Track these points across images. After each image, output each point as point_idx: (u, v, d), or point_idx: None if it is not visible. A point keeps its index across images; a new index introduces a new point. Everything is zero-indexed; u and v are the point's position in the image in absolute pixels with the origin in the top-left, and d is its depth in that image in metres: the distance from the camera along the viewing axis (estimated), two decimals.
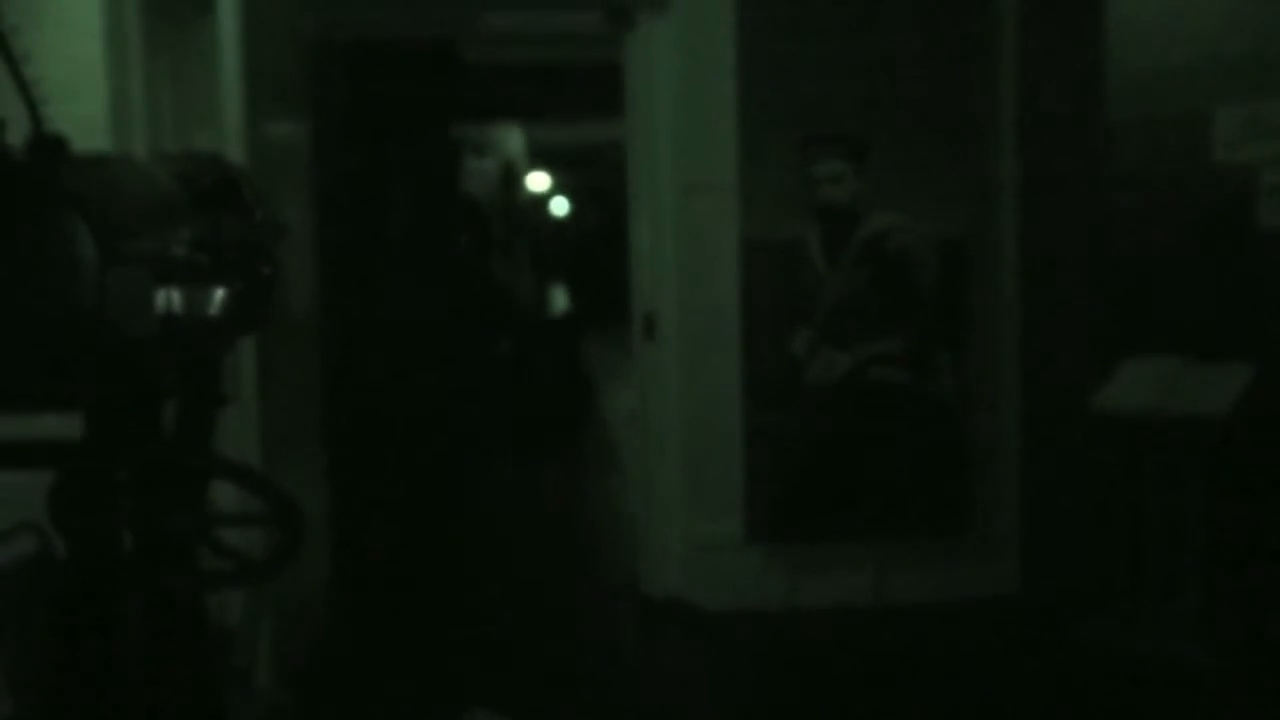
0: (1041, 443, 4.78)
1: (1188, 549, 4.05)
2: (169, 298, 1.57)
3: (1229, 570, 3.96)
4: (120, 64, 3.83)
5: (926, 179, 4.80)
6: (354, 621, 4.81)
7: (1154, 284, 4.29)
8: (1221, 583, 3.98)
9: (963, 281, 4.84)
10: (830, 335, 4.79)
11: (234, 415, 3.75)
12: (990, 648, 4.43)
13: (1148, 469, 4.20)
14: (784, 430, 4.83)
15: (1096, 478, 4.40)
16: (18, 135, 1.52)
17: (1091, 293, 4.55)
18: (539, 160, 14.23)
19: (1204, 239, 4.09)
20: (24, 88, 1.55)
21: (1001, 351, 4.89)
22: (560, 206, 15.56)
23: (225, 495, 1.96)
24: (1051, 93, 4.69)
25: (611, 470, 7.50)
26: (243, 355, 3.77)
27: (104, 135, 3.67)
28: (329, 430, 4.91)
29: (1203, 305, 4.11)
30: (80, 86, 3.67)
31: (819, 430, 4.83)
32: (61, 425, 1.58)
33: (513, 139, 12.47)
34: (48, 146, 1.49)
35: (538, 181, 14.59)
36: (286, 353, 4.25)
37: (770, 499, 4.85)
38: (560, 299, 11.96)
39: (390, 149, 6.91)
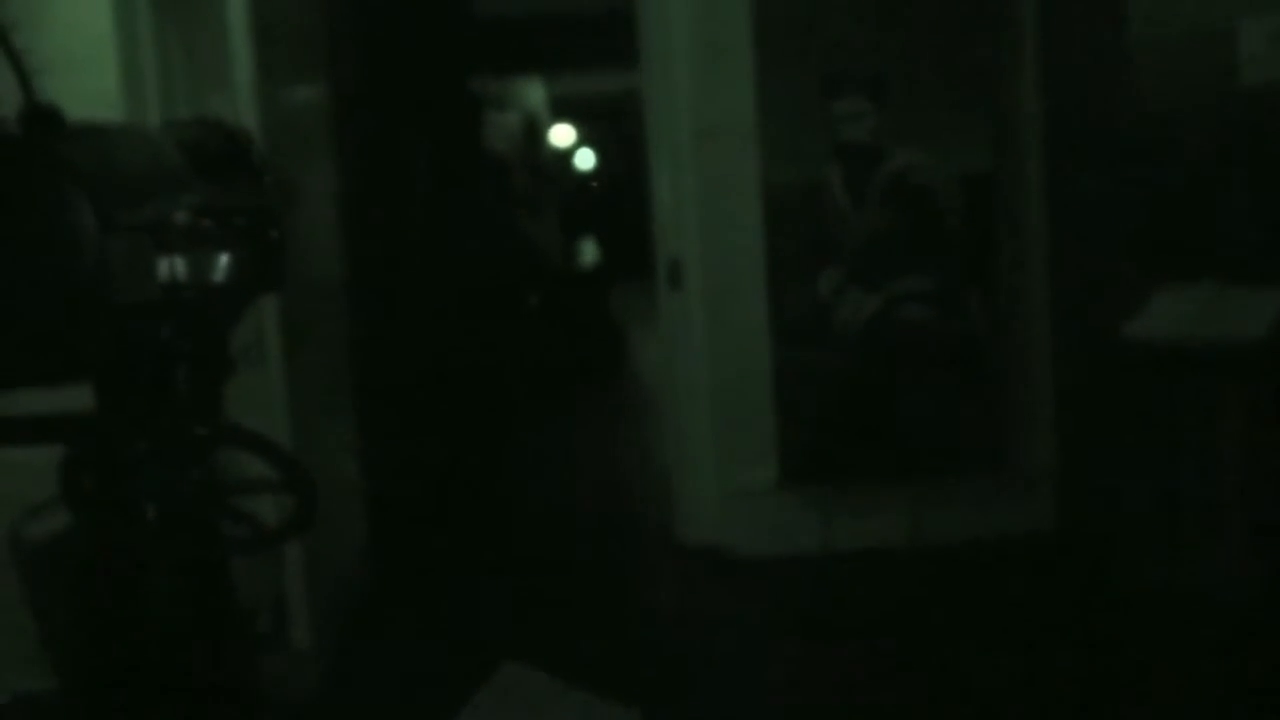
0: (1075, 376, 4.73)
1: (1227, 479, 3.99)
2: (172, 265, 1.55)
3: (1270, 500, 3.90)
4: (130, 34, 3.81)
5: (948, 114, 4.72)
6: (391, 582, 4.83)
7: (1184, 209, 4.21)
8: (1262, 514, 3.92)
9: (989, 216, 4.77)
10: (857, 275, 4.74)
11: (262, 381, 3.76)
12: (1028, 586, 4.41)
13: (1184, 398, 4.14)
14: (814, 373, 4.80)
15: (1132, 409, 4.34)
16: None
17: (1120, 222, 4.47)
18: (563, 113, 14.15)
19: (1232, 160, 4.00)
20: (14, 58, 1.52)
21: (1031, 284, 4.83)
22: (586, 159, 15.48)
23: (252, 464, 1.96)
24: (1072, 17, 4.60)
25: (644, 421, 7.49)
26: (268, 321, 3.77)
27: (116, 106, 3.66)
28: (360, 391, 4.92)
29: (1235, 228, 4.04)
30: (91, 59, 3.66)
31: (849, 371, 4.79)
32: (67, 399, 1.57)
33: (534, 92, 12.40)
34: (40, 117, 1.47)
35: (562, 135, 14.51)
36: (312, 316, 4.25)
37: (803, 443, 4.82)
38: (589, 252, 11.91)
39: (409, 106, 6.87)
